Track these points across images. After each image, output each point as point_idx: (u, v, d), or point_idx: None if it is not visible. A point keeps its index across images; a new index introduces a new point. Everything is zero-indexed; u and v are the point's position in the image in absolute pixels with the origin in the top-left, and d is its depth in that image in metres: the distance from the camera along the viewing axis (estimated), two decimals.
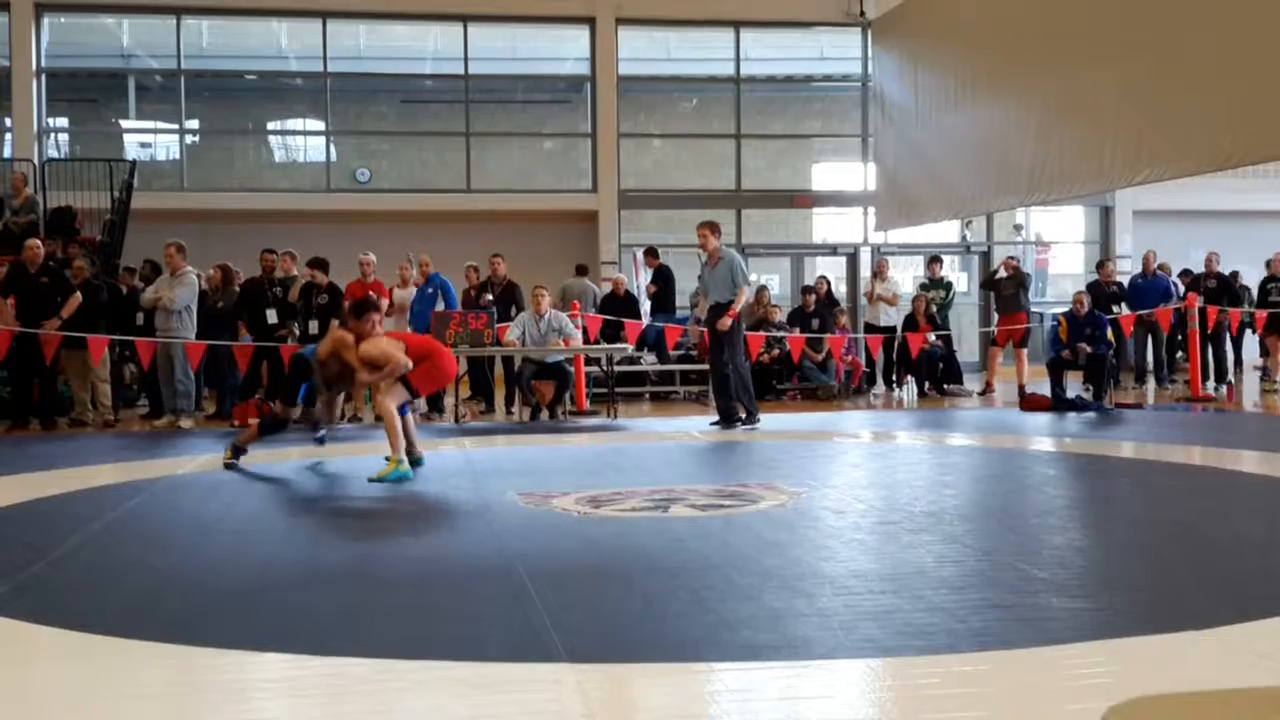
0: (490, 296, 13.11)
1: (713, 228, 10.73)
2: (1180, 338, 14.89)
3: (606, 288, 15.31)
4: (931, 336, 14.48)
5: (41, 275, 11.56)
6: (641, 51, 20.27)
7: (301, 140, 20.69)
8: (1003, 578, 4.50)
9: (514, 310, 12.85)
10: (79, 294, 11.55)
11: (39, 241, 12.00)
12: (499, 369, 13.60)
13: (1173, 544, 5.31)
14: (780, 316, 15.10)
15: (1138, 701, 3.00)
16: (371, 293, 12.18)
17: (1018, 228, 20.69)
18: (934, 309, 14.78)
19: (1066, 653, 3.49)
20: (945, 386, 14.65)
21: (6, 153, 18.17)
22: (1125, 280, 15.80)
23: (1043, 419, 11.32)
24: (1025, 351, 14.25)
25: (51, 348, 11.36)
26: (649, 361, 15.09)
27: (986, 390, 14.45)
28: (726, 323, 10.43)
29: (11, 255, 12.48)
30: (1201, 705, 3.04)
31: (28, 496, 6.95)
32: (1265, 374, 14.64)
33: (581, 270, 15.64)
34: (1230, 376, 15.22)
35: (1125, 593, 4.32)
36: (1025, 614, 3.95)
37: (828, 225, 21.15)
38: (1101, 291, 14.59)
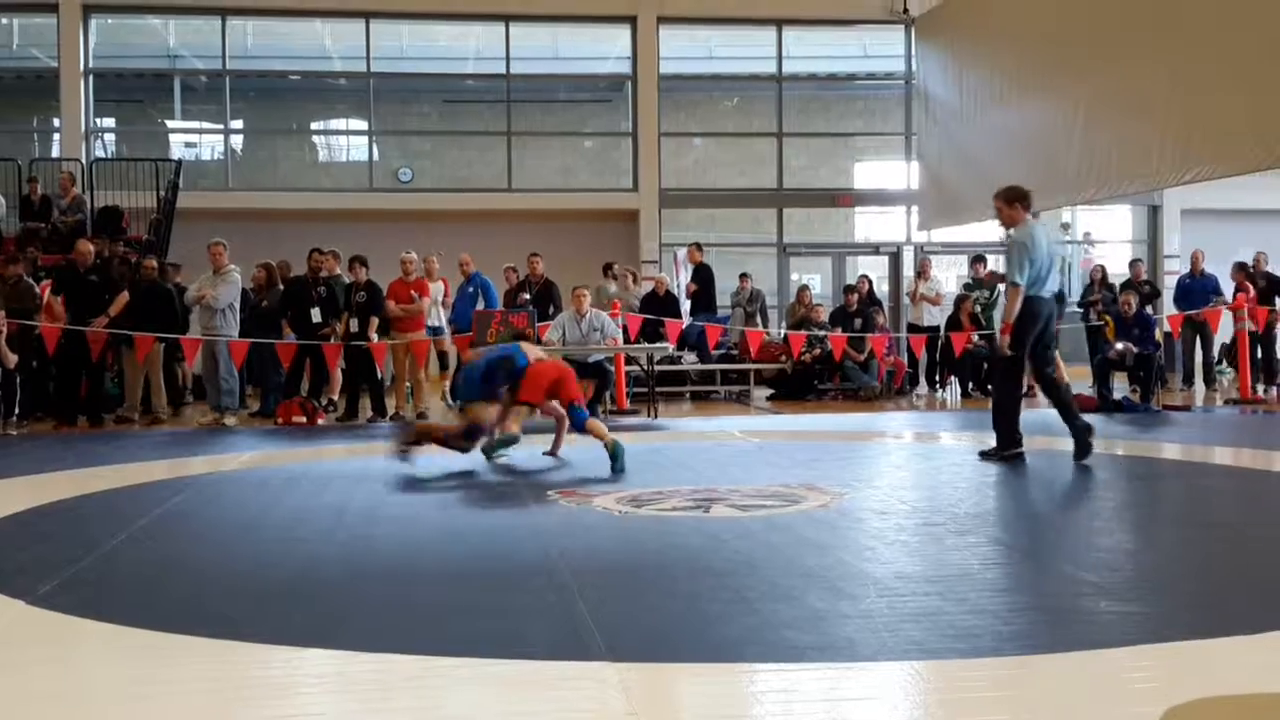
0: (527, 296, 13.11)
1: (1009, 198, 7.80)
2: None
3: (648, 286, 15.29)
4: (975, 337, 14.36)
5: (90, 274, 11.69)
6: (683, 50, 20.25)
7: (345, 140, 20.84)
8: (1048, 580, 4.46)
9: (551, 309, 12.85)
10: (126, 293, 11.68)
11: (90, 241, 12.13)
12: None
13: (1221, 548, 5.23)
14: (823, 316, 15.06)
15: (1197, 704, 2.96)
16: (414, 291, 12.27)
17: (1065, 227, 20.49)
18: (978, 309, 14.66)
19: (1113, 657, 3.45)
20: (989, 387, 14.51)
21: (54, 153, 18.42)
22: (1172, 280, 15.60)
23: (1089, 420, 11.17)
24: (1057, 353, 14.01)
25: (99, 346, 11.49)
26: (689, 361, 15.07)
27: (1028, 392, 14.26)
28: (1004, 343, 8.04)
29: (60, 254, 12.64)
30: (1261, 708, 3.00)
31: (75, 493, 7.03)
32: None
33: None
34: None
35: (1173, 597, 4.27)
36: (1071, 617, 3.90)
37: (870, 224, 21.03)
38: (1133, 291, 14.41)
